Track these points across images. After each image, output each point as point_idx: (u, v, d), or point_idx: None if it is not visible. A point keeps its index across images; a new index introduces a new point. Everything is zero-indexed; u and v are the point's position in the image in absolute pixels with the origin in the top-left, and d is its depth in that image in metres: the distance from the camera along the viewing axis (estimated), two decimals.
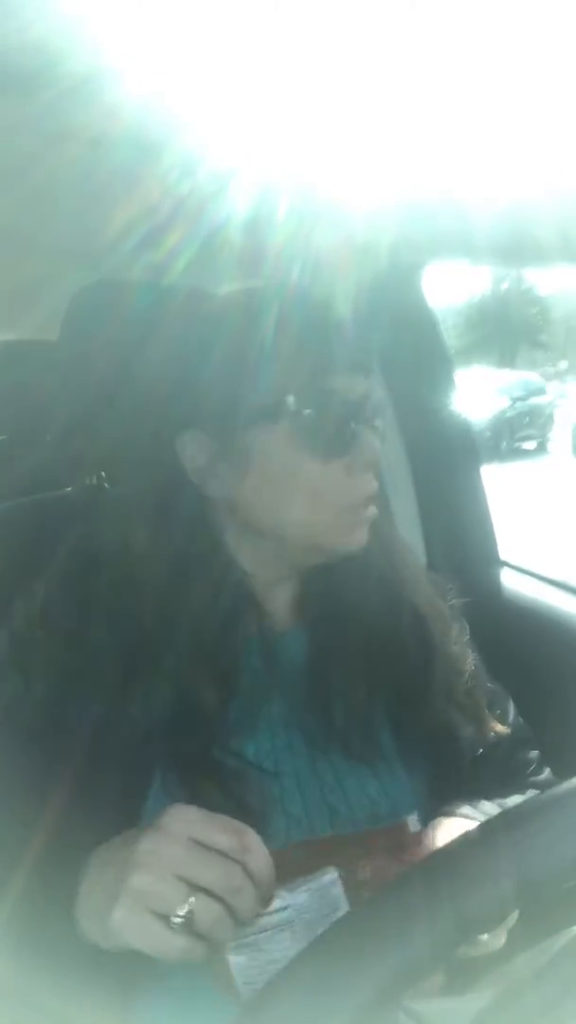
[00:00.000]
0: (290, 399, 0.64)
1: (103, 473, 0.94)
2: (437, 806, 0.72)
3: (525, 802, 0.45)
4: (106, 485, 0.94)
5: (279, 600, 0.74)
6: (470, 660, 0.77)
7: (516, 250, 0.98)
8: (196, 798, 0.59)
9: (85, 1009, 0.53)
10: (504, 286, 31.24)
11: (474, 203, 0.90)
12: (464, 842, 0.43)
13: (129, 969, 0.58)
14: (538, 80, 0.66)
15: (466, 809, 0.70)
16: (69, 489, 0.97)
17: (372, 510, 0.69)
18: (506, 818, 0.44)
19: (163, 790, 0.63)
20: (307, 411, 0.64)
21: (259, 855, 0.52)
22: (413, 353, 1.25)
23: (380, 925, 0.39)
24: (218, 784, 0.63)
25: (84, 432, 0.87)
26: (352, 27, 0.63)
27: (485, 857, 0.41)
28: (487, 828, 0.44)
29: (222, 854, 0.51)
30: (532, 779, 0.79)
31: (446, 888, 0.40)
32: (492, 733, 0.76)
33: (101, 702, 0.63)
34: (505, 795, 0.73)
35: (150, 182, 0.91)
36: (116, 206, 1.03)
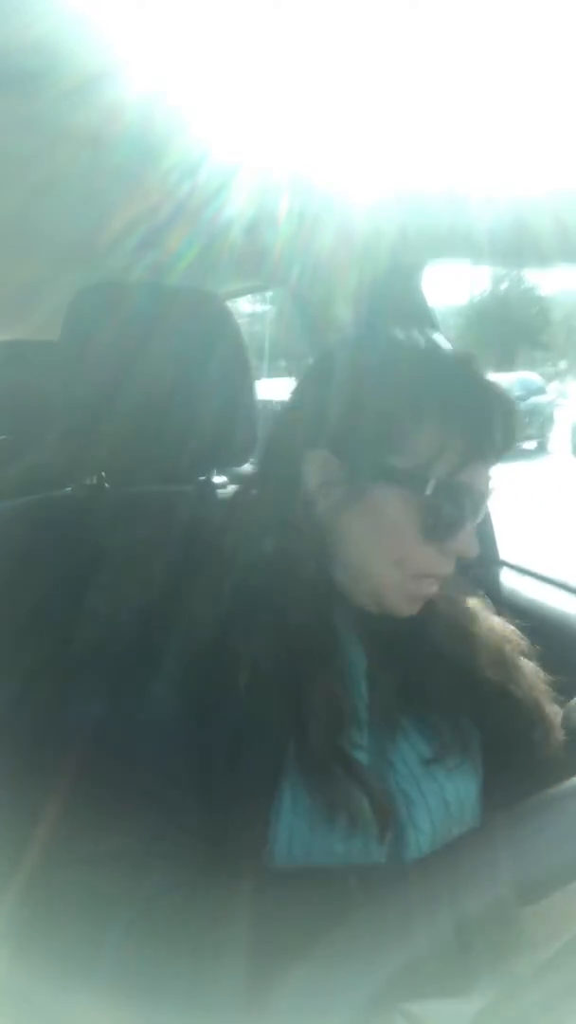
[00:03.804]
0: (431, 482, 0.65)
1: (103, 473, 0.94)
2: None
3: (525, 802, 0.45)
4: (106, 485, 0.93)
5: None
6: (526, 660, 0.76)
7: (516, 250, 0.98)
8: (329, 796, 0.60)
9: (85, 1009, 0.53)
10: (504, 286, 31.26)
11: (474, 203, 0.90)
12: (464, 842, 0.43)
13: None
14: (538, 81, 0.66)
15: None
16: (69, 489, 0.97)
17: (435, 588, 0.71)
18: (506, 818, 0.44)
19: (291, 793, 0.62)
20: (437, 500, 0.66)
21: None
22: None
23: (380, 925, 0.39)
24: (352, 778, 0.62)
25: (85, 432, 0.87)
26: (353, 31, 0.63)
27: (485, 857, 0.41)
28: (487, 828, 0.44)
29: None
30: None
31: (446, 888, 0.40)
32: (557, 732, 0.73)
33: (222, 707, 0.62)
34: None
35: (150, 182, 0.92)
36: (116, 206, 1.03)
